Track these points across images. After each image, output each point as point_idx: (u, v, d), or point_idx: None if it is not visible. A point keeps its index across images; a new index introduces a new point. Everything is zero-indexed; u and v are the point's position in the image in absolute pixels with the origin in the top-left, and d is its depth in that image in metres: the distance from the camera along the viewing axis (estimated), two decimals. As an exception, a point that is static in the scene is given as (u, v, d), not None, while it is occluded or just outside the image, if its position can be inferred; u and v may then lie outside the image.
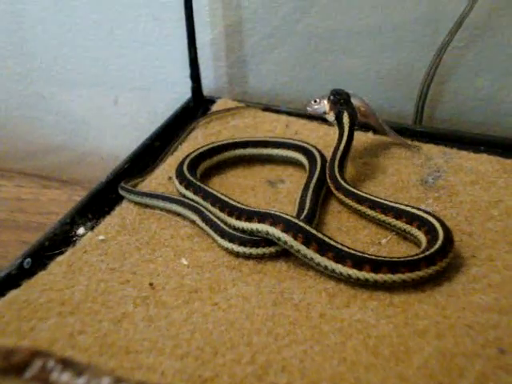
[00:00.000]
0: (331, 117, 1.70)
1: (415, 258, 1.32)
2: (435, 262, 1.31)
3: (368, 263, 1.30)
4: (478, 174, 1.65)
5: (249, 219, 1.43)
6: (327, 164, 1.64)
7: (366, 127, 1.85)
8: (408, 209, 1.47)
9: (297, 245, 1.36)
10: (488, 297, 1.27)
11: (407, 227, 1.45)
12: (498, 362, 1.13)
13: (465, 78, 1.91)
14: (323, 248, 1.34)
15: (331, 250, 1.34)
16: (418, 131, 1.85)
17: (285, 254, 1.42)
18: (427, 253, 1.33)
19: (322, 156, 1.69)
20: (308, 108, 1.75)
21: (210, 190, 1.58)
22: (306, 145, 1.74)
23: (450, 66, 1.90)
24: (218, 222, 1.49)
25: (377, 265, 1.30)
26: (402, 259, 1.32)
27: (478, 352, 1.15)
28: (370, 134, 1.85)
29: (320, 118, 1.86)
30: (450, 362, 1.13)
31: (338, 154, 1.63)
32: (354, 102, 1.71)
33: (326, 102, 1.71)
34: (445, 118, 1.97)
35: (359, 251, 1.34)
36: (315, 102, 1.74)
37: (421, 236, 1.42)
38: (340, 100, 1.69)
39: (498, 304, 1.25)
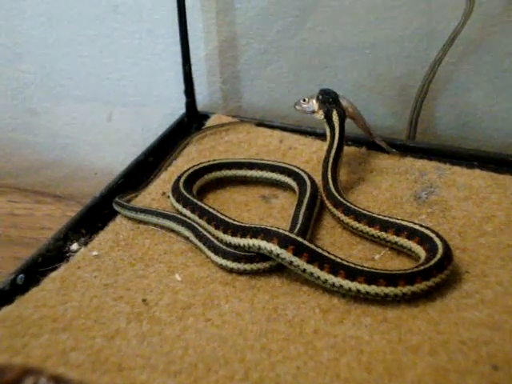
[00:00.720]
0: (320, 115, 1.72)
1: (413, 270, 1.32)
2: (432, 277, 1.32)
3: (363, 275, 1.31)
4: (471, 189, 1.65)
5: (243, 235, 1.43)
6: (321, 171, 1.65)
7: (359, 142, 1.86)
8: (409, 224, 1.47)
9: (289, 256, 1.36)
10: (481, 313, 1.27)
11: (407, 242, 1.45)
12: (491, 378, 1.12)
13: (458, 93, 1.92)
14: (316, 259, 1.34)
15: (325, 260, 1.34)
16: (411, 146, 1.85)
17: (278, 269, 1.42)
18: (424, 266, 1.33)
19: (312, 179, 1.69)
20: (297, 107, 1.77)
21: (205, 206, 1.58)
22: (297, 169, 1.73)
23: (443, 82, 1.91)
24: (212, 239, 1.49)
25: (373, 276, 1.30)
26: (399, 272, 1.33)
27: (471, 368, 1.15)
28: (364, 149, 1.85)
29: (314, 134, 1.87)
30: (443, 379, 1.13)
31: (330, 158, 1.66)
32: (342, 102, 1.74)
33: (314, 101, 1.74)
34: (438, 134, 1.98)
35: (353, 262, 1.35)
36: (304, 100, 1.76)
37: (420, 251, 1.42)
38: (329, 99, 1.72)
39: (490, 320, 1.25)
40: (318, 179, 1.67)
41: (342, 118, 1.70)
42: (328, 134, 1.71)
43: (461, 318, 1.26)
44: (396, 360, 1.18)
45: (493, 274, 1.37)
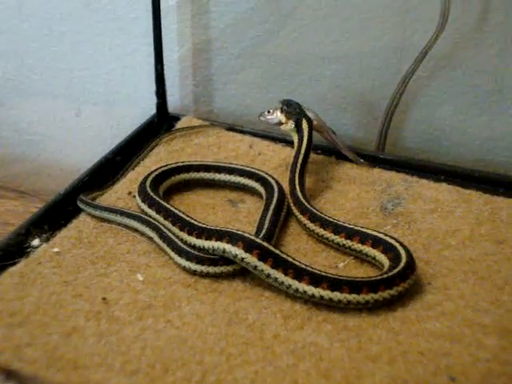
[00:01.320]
0: (290, 125, 1.73)
1: (377, 278, 1.33)
2: (395, 285, 1.32)
3: (327, 281, 1.31)
4: (437, 202, 1.66)
5: (208, 237, 1.42)
6: (288, 179, 1.66)
7: (328, 151, 1.86)
8: (373, 233, 1.48)
9: (254, 261, 1.35)
10: (441, 324, 1.27)
11: (371, 251, 1.45)
12: (449, 390, 1.13)
13: (428, 107, 1.93)
14: (281, 264, 1.34)
15: (290, 266, 1.33)
16: (380, 158, 1.86)
17: (241, 273, 1.41)
18: (388, 275, 1.33)
19: (279, 185, 1.68)
20: (261, 118, 1.77)
21: (171, 208, 1.57)
22: (266, 175, 1.72)
23: (414, 95, 1.92)
24: (176, 240, 1.47)
25: (336, 283, 1.30)
26: (363, 279, 1.33)
27: (429, 379, 1.15)
28: (333, 159, 1.85)
29: (284, 140, 1.87)
30: (401, 388, 1.13)
31: (298, 165, 1.66)
32: (308, 114, 1.74)
33: (279, 112, 1.75)
34: (407, 146, 1.99)
35: (317, 269, 1.35)
36: (268, 112, 1.76)
37: (384, 260, 1.43)
38: (295, 109, 1.74)
39: (450, 332, 1.25)
40: (286, 185, 1.66)
41: (311, 126, 1.71)
42: (296, 141, 1.72)
43: (421, 329, 1.26)
44: (355, 368, 1.17)
45: (455, 287, 1.38)
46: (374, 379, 1.14)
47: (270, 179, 1.69)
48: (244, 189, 1.74)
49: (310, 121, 1.72)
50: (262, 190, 1.69)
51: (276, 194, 1.63)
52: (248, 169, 1.75)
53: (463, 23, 1.80)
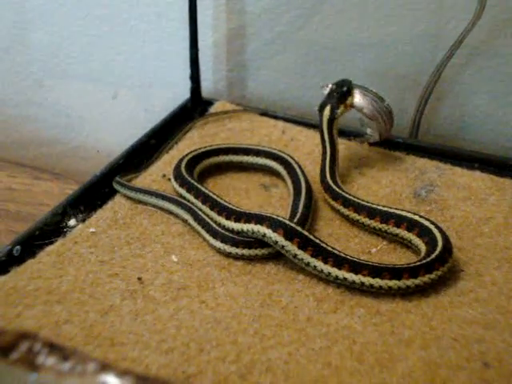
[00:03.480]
0: (316, 108, 1.71)
1: (416, 264, 1.33)
2: (434, 269, 1.33)
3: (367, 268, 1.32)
4: (470, 190, 1.66)
5: (247, 221, 1.43)
6: (320, 168, 1.67)
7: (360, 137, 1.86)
8: (409, 215, 1.48)
9: (294, 249, 1.36)
10: (474, 311, 1.28)
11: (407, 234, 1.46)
12: (482, 375, 1.13)
13: (463, 95, 1.92)
14: (320, 253, 1.35)
15: (330, 255, 1.35)
16: (413, 145, 1.86)
17: (275, 257, 1.43)
18: (427, 259, 1.34)
19: (300, 165, 1.70)
20: (322, 90, 1.74)
21: (209, 192, 1.58)
22: (290, 158, 1.73)
23: (448, 83, 1.91)
24: (211, 223, 1.49)
25: (377, 270, 1.31)
26: (401, 266, 1.34)
27: (463, 364, 1.15)
28: (366, 145, 1.85)
29: (316, 126, 1.86)
30: (434, 373, 1.14)
31: (326, 152, 1.67)
32: (360, 102, 1.72)
33: (327, 91, 1.72)
34: (441, 134, 1.98)
35: (356, 257, 1.36)
36: (326, 86, 1.73)
37: (420, 244, 1.43)
38: (334, 92, 1.69)
39: (483, 318, 1.26)
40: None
41: (333, 115, 1.67)
42: (320, 128, 1.71)
43: (454, 315, 1.27)
44: (387, 352, 1.18)
45: (488, 273, 1.38)
46: (407, 363, 1.15)
47: (293, 163, 1.70)
48: (270, 171, 1.76)
49: (334, 109, 1.67)
50: (284, 173, 1.71)
51: (302, 178, 1.64)
52: (274, 151, 1.76)
53: (500, 11, 1.78)
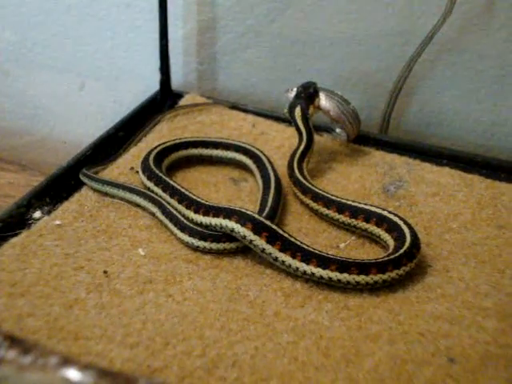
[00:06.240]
0: (284, 110, 1.74)
1: (384, 259, 1.33)
2: (402, 265, 1.33)
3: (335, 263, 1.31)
4: (438, 186, 1.66)
5: (215, 215, 1.42)
6: (287, 163, 1.66)
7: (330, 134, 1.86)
8: (377, 211, 1.48)
9: (262, 244, 1.35)
10: (441, 306, 1.28)
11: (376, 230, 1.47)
12: (447, 370, 1.14)
13: (432, 91, 1.93)
14: (289, 248, 1.34)
15: (298, 249, 1.34)
16: (383, 140, 1.86)
17: (243, 251, 1.42)
18: (395, 255, 1.34)
19: (269, 159, 1.70)
20: (285, 94, 1.77)
21: (177, 186, 1.56)
22: (259, 152, 1.73)
23: (418, 79, 1.92)
24: (179, 216, 1.47)
25: (344, 265, 1.31)
26: (369, 261, 1.34)
27: (429, 360, 1.16)
28: (337, 140, 1.85)
29: (288, 120, 1.86)
30: (400, 368, 1.14)
31: (297, 152, 1.67)
32: (326, 104, 1.73)
33: (293, 94, 1.75)
34: (410, 130, 1.99)
35: (324, 252, 1.36)
36: (291, 90, 1.76)
37: (389, 240, 1.44)
38: (302, 93, 1.73)
39: (450, 314, 1.26)
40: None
41: (304, 114, 1.70)
42: (295, 127, 1.72)
43: (421, 311, 1.27)
44: (354, 347, 1.18)
45: (455, 269, 1.39)
46: (374, 358, 1.15)
47: (262, 157, 1.70)
48: (239, 166, 1.75)
49: (304, 109, 1.70)
50: (254, 167, 1.70)
51: (272, 173, 1.64)
52: (245, 145, 1.75)
53: (470, 8, 1.79)
